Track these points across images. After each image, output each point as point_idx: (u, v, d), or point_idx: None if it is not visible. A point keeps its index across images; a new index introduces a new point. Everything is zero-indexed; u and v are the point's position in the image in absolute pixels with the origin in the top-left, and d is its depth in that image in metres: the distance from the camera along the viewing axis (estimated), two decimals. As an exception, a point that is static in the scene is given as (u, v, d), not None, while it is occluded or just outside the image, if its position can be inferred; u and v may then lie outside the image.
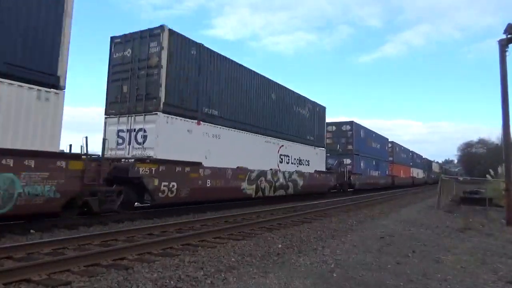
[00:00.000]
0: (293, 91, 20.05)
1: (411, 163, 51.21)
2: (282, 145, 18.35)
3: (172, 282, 4.71)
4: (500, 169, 21.85)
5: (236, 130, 14.91)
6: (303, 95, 21.20)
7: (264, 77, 17.26)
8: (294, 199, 19.08)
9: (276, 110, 18.17)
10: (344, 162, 27.21)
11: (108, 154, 10.94)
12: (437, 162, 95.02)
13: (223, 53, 14.94)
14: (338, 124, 29.47)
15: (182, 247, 6.93)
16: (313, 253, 6.61)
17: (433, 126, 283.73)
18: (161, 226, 8.92)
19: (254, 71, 16.41)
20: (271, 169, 16.98)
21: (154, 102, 11.49)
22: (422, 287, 4.92)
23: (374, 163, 33.59)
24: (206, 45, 13.68)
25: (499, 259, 6.73)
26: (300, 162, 20.08)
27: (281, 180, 17.83)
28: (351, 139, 28.69)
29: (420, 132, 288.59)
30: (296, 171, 19.39)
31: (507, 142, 12.39)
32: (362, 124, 31.37)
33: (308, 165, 20.98)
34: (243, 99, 15.56)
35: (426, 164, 66.09)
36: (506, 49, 12.18)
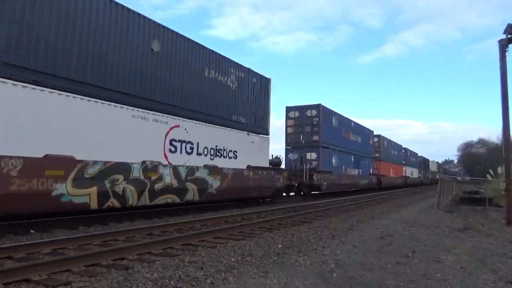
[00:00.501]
0: (204, 47, 13.44)
1: (403, 161, 46.11)
2: (177, 126, 12.12)
3: (172, 282, 4.71)
4: (500, 169, 21.89)
5: (53, 91, 8.56)
6: (227, 56, 14.69)
7: (137, 13, 10.82)
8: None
9: (164, 70, 11.67)
10: (309, 157, 21.99)
11: None
12: (436, 162, 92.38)
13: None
14: (302, 109, 23.10)
15: (182, 247, 6.93)
16: (313, 253, 6.61)
17: (433, 126, 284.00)
18: (161, 226, 8.92)
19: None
20: (144, 162, 10.68)
21: None
22: (422, 287, 4.92)
23: (352, 159, 28.04)
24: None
25: (499, 259, 6.73)
26: (217, 153, 13.96)
27: (170, 179, 11.47)
28: (317, 128, 22.47)
29: (420, 132, 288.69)
30: (207, 166, 13.16)
31: (507, 142, 12.40)
32: (335, 110, 25.41)
33: (235, 158, 14.87)
34: (76, 38, 9.06)
35: (422, 163, 61.10)
36: (506, 49, 12.20)
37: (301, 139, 22.75)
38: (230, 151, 14.76)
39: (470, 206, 18.22)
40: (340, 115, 26.28)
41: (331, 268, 5.65)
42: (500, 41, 12.30)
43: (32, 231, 8.08)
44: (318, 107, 22.85)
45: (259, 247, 7.07)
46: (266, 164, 17.18)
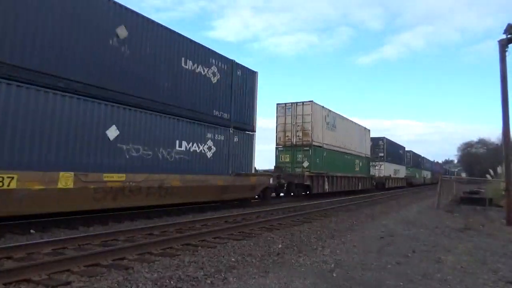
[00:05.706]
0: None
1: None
2: None
3: (172, 282, 4.71)
4: (500, 169, 21.84)
5: None
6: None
7: None
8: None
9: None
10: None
11: None
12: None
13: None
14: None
15: (182, 247, 6.93)
16: (313, 253, 6.61)
17: (433, 126, 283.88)
18: (161, 226, 8.92)
19: None
20: None
21: None
22: (422, 287, 4.92)
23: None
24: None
25: (499, 259, 6.72)
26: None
27: None
28: None
29: (420, 132, 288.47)
30: None
31: (507, 142, 12.39)
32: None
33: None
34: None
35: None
36: (506, 49, 12.17)
37: None
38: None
39: (470, 206, 18.20)
40: None
41: (331, 268, 5.65)
42: (500, 41, 12.28)
43: (32, 231, 8.08)
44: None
45: (259, 247, 7.08)
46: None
